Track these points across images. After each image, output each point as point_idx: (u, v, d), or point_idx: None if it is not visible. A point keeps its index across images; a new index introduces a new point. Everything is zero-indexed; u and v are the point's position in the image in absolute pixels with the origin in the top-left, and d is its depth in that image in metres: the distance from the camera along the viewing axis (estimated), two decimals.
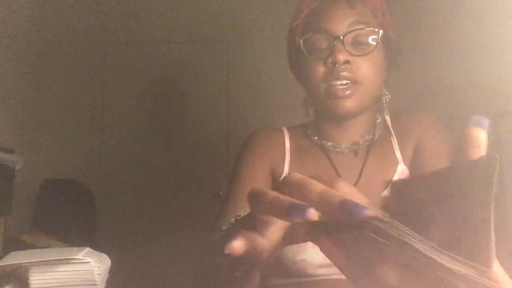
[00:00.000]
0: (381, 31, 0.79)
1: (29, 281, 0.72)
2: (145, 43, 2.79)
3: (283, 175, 0.85)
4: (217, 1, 2.77)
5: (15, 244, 1.86)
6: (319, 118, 0.88)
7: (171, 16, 2.77)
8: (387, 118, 0.89)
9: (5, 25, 2.21)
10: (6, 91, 2.25)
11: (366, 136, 0.86)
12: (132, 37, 2.79)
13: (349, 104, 0.78)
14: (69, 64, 2.74)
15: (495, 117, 1.96)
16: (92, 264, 0.74)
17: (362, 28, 0.79)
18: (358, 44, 0.79)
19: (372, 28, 0.79)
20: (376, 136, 0.86)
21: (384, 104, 0.86)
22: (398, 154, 0.84)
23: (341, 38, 0.78)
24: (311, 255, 0.76)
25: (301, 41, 0.81)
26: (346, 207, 0.33)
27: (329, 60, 0.78)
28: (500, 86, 1.88)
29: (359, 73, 0.78)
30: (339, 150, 0.86)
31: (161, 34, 2.77)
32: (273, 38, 2.62)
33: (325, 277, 0.76)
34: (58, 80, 2.72)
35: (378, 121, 0.87)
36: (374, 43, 0.79)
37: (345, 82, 0.78)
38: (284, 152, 0.87)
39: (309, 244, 0.78)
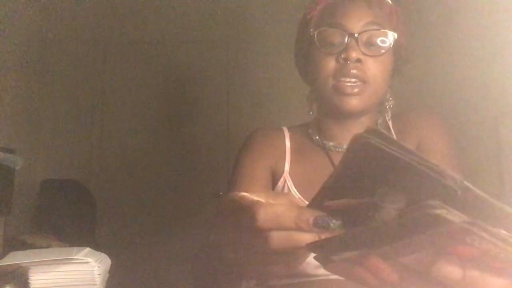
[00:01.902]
0: (395, 35, 0.80)
1: (29, 281, 0.72)
2: (145, 43, 2.79)
3: (283, 175, 0.85)
4: (217, 1, 2.77)
5: (15, 244, 1.86)
6: (321, 117, 0.88)
7: (171, 16, 2.77)
8: (388, 118, 0.89)
9: (5, 25, 2.21)
10: (6, 91, 2.25)
11: None
12: (132, 37, 2.79)
13: (355, 102, 0.79)
14: (69, 64, 2.74)
15: (495, 117, 1.96)
16: (92, 264, 0.74)
17: (378, 29, 0.79)
18: (371, 44, 0.79)
19: (387, 30, 0.80)
20: None
21: (388, 109, 0.86)
22: None
23: (356, 36, 0.78)
24: (311, 255, 0.76)
25: (316, 33, 0.81)
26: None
27: (342, 56, 0.78)
28: (500, 86, 1.88)
29: (368, 73, 0.78)
30: (340, 150, 0.86)
31: (161, 34, 2.77)
32: (274, 38, 2.62)
33: (324, 277, 0.76)
34: (58, 80, 2.72)
35: (379, 121, 0.88)
36: (387, 46, 0.79)
37: (354, 80, 0.78)
38: (285, 152, 0.87)
39: None
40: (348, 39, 0.78)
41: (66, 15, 2.72)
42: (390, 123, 0.89)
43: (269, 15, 2.68)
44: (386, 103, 0.86)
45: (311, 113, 0.88)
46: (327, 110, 0.86)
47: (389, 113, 0.87)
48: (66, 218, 2.20)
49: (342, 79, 0.78)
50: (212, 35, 2.78)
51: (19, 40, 2.39)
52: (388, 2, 0.83)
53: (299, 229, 0.36)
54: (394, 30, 0.81)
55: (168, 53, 2.79)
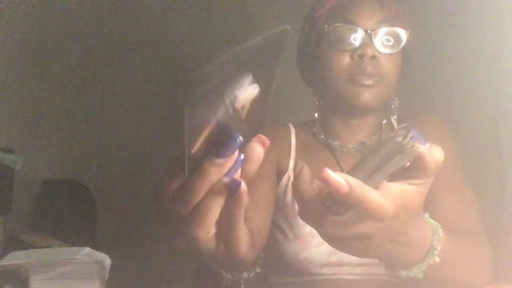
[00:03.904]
0: (408, 33, 0.80)
1: (29, 281, 0.72)
2: (145, 43, 2.79)
3: (288, 171, 0.85)
4: (218, 1, 2.77)
5: (15, 244, 1.86)
6: (326, 116, 0.89)
7: (171, 16, 2.77)
8: (393, 120, 0.90)
9: (4, 25, 2.21)
10: (6, 91, 2.25)
11: (373, 137, 0.87)
12: (132, 37, 2.79)
13: (370, 95, 0.79)
14: (69, 64, 2.74)
15: (495, 117, 1.95)
16: (92, 264, 0.74)
17: (391, 27, 0.80)
18: (385, 42, 0.80)
19: (400, 28, 0.80)
20: (382, 137, 0.87)
21: (393, 109, 0.86)
22: None
23: (369, 32, 0.79)
24: (314, 254, 0.76)
25: (330, 28, 0.81)
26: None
27: (357, 53, 0.79)
28: (500, 86, 1.88)
29: (383, 69, 0.79)
30: (345, 149, 0.86)
31: (161, 34, 2.77)
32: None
33: (327, 277, 0.77)
34: (58, 80, 2.72)
35: (384, 122, 0.88)
36: (400, 43, 0.80)
37: (368, 77, 0.78)
38: (290, 149, 0.88)
39: (313, 243, 0.79)
40: (363, 35, 0.79)
41: (66, 15, 2.72)
42: (395, 125, 0.90)
43: (270, 15, 2.68)
44: (391, 103, 0.86)
45: (316, 115, 0.89)
46: (338, 106, 0.86)
47: (395, 113, 0.88)
48: (66, 218, 2.20)
49: (358, 76, 0.79)
50: (212, 35, 2.77)
51: (19, 40, 2.39)
52: (395, 3, 0.84)
53: (212, 176, 0.37)
54: (404, 29, 0.82)
55: (168, 53, 2.79)
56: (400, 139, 0.36)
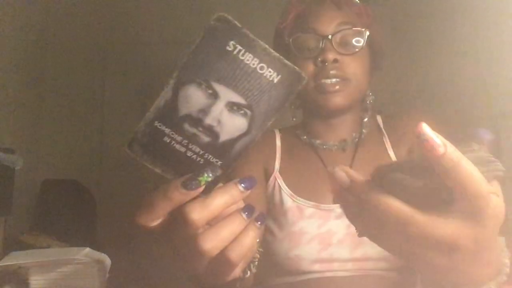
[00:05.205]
0: (367, 32, 0.82)
1: (29, 281, 0.72)
2: (145, 43, 2.79)
3: (274, 173, 0.87)
4: (217, 1, 2.77)
5: (15, 244, 1.86)
6: (307, 118, 0.91)
7: (171, 17, 2.77)
8: (379, 119, 0.92)
9: (4, 25, 2.21)
10: (6, 91, 2.25)
11: (353, 134, 0.88)
12: (132, 37, 2.79)
13: (338, 100, 0.81)
14: (69, 64, 2.74)
15: (495, 117, 1.96)
16: (92, 264, 0.75)
17: (350, 28, 0.82)
18: (346, 44, 0.82)
19: (359, 28, 0.82)
20: (363, 135, 0.88)
21: (368, 104, 0.88)
22: (391, 153, 0.86)
23: (329, 37, 0.80)
24: (305, 251, 0.77)
25: (291, 40, 0.84)
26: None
27: (319, 59, 0.81)
28: (500, 86, 1.88)
29: (348, 71, 0.81)
30: (327, 147, 0.88)
31: (161, 34, 2.78)
32: (271, 39, 2.62)
33: (319, 275, 0.77)
34: (58, 80, 2.72)
35: (365, 120, 0.90)
36: (361, 43, 0.82)
37: (334, 80, 0.80)
38: (275, 151, 0.90)
39: (303, 240, 0.79)
40: (322, 42, 0.81)
41: (66, 15, 2.72)
42: (381, 123, 0.91)
43: (268, 16, 2.68)
44: (367, 99, 0.88)
45: (294, 119, 0.92)
46: (312, 111, 0.88)
47: (369, 109, 0.90)
48: (66, 218, 2.20)
49: (323, 80, 0.80)
50: None
51: (18, 40, 2.39)
52: (356, 1, 0.86)
53: (173, 200, 0.40)
54: (366, 27, 0.83)
55: (168, 53, 2.79)
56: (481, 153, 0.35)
